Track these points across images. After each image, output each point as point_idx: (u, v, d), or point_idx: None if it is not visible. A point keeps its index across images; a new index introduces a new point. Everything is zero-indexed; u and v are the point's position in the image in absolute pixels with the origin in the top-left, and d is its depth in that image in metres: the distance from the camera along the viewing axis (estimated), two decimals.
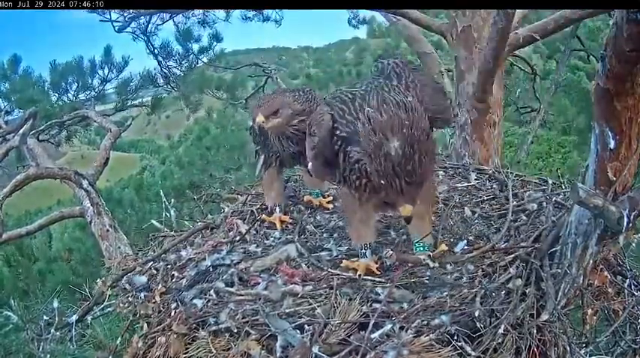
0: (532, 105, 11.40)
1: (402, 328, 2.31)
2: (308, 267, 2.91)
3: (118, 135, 6.17)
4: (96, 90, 7.99)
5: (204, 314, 2.64)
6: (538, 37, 5.24)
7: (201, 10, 8.77)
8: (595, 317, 2.89)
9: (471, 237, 3.10)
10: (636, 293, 3.01)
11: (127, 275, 3.31)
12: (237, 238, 3.32)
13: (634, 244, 2.99)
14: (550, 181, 3.76)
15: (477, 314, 2.36)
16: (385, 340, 2.26)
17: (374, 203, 2.74)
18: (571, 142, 15.28)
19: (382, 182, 2.36)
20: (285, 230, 3.45)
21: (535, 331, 2.39)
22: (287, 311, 2.50)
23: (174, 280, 3.07)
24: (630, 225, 2.25)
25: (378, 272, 2.73)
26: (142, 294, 3.07)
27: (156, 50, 8.64)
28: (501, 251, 2.84)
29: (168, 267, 3.21)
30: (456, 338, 2.29)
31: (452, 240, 3.09)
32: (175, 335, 2.62)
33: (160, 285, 3.03)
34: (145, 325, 2.91)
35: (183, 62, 8.99)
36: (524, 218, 3.27)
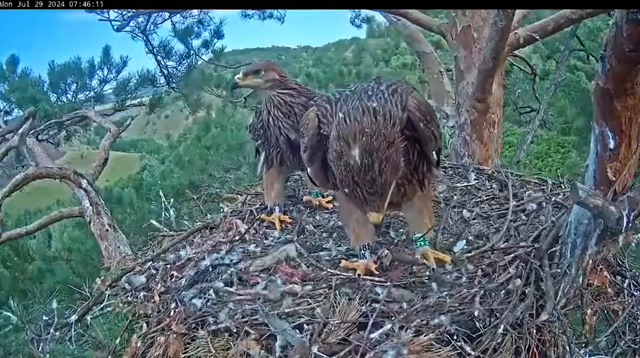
0: (532, 105, 11.41)
1: (401, 328, 2.30)
2: (307, 267, 2.91)
3: (118, 134, 6.16)
4: (95, 90, 7.98)
5: (203, 314, 2.63)
6: (538, 37, 5.24)
7: (199, 10, 8.77)
8: (595, 317, 2.89)
9: (470, 237, 3.10)
10: (636, 293, 3.01)
11: (126, 274, 3.30)
12: (237, 238, 3.32)
13: (634, 244, 2.99)
14: (550, 181, 3.76)
15: (476, 314, 2.36)
16: (385, 340, 2.25)
17: None
18: (570, 142, 15.29)
19: (346, 190, 2.36)
20: (284, 230, 3.45)
21: (535, 331, 2.39)
22: (286, 311, 2.50)
23: (173, 280, 3.07)
24: (630, 225, 2.25)
25: (378, 272, 2.73)
26: (141, 294, 3.06)
27: (155, 49, 8.64)
28: (501, 251, 2.84)
29: (168, 266, 3.21)
30: (455, 337, 2.28)
31: (451, 239, 3.10)
32: (174, 335, 2.61)
33: (160, 285, 3.03)
34: (144, 325, 2.90)
35: (183, 61, 8.97)
36: (523, 218, 3.27)
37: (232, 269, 2.95)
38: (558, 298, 2.51)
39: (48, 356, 3.46)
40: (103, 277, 3.43)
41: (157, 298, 2.95)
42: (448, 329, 2.29)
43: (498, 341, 2.29)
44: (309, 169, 2.75)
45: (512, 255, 2.76)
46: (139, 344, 2.79)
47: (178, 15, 8.59)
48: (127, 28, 8.11)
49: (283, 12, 9.46)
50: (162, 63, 8.83)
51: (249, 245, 3.26)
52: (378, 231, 2.65)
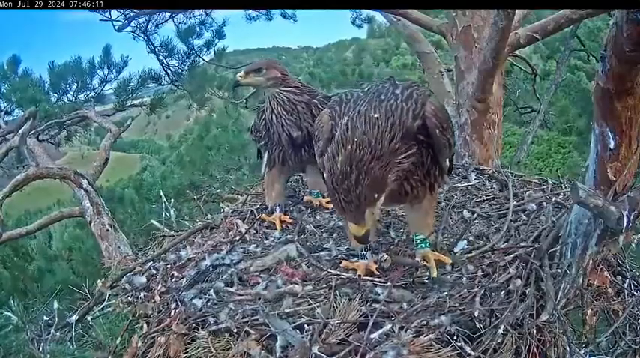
0: (532, 106, 11.40)
1: (401, 328, 2.30)
2: (308, 267, 2.91)
3: (118, 135, 6.16)
4: (95, 90, 7.98)
5: (203, 314, 2.63)
6: (538, 37, 5.24)
7: (201, 11, 8.78)
8: (595, 318, 2.89)
9: (470, 237, 3.11)
10: (636, 294, 3.01)
11: (126, 275, 3.30)
12: (237, 238, 3.32)
13: (634, 244, 2.99)
14: (550, 181, 3.76)
15: (476, 314, 2.36)
16: (385, 340, 2.26)
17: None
18: (571, 142, 15.28)
19: (328, 194, 2.35)
20: (284, 230, 3.45)
21: (535, 331, 2.39)
22: (287, 311, 2.50)
23: (173, 280, 3.07)
24: (630, 225, 2.25)
25: (378, 273, 2.73)
26: (142, 294, 3.06)
27: (156, 49, 8.64)
28: (501, 251, 2.84)
29: (168, 266, 3.21)
30: (455, 338, 2.28)
31: (452, 240, 3.10)
32: (175, 335, 2.62)
33: (160, 285, 3.03)
34: (145, 325, 2.90)
35: (185, 61, 8.97)
36: (524, 218, 3.27)
37: (233, 269, 2.95)
38: (558, 298, 2.51)
39: (48, 356, 3.47)
40: (104, 278, 3.43)
41: (157, 298, 2.95)
42: (448, 329, 2.29)
43: (498, 341, 2.29)
44: (324, 173, 2.73)
45: (512, 255, 2.76)
46: (139, 344, 2.79)
47: (181, 15, 8.59)
48: (128, 28, 8.11)
49: (292, 12, 9.47)
50: (165, 62, 8.83)
51: (250, 245, 3.27)
52: (363, 242, 2.58)
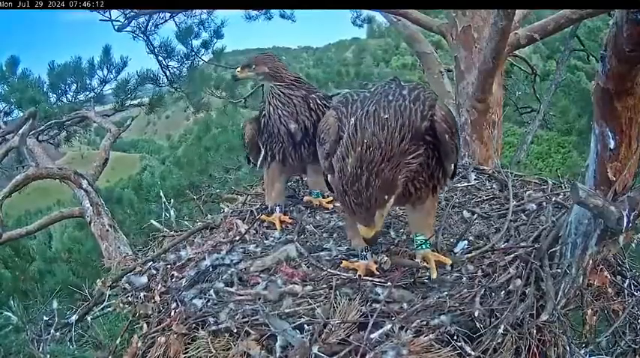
0: (532, 106, 11.40)
1: (401, 328, 2.30)
2: (308, 267, 2.91)
3: (118, 135, 6.17)
4: (95, 91, 7.98)
5: (203, 314, 2.63)
6: (538, 37, 5.24)
7: (201, 11, 8.77)
8: (595, 318, 2.89)
9: (470, 237, 3.10)
10: (636, 294, 3.01)
11: (126, 275, 3.30)
12: (237, 238, 3.32)
13: (634, 244, 2.99)
14: (550, 181, 3.76)
15: (476, 314, 2.36)
16: (385, 340, 2.26)
17: None
18: (571, 142, 15.28)
19: (336, 195, 2.34)
20: (284, 230, 3.44)
21: (535, 331, 2.39)
22: (287, 311, 2.50)
23: (173, 280, 3.07)
24: (630, 225, 2.25)
25: (378, 273, 2.73)
26: (142, 294, 3.06)
27: (156, 49, 8.63)
28: (501, 251, 2.84)
29: (168, 266, 3.21)
30: (455, 338, 2.28)
31: (452, 240, 3.10)
32: (175, 335, 2.62)
33: (160, 285, 3.03)
34: (145, 325, 2.90)
35: (184, 61, 8.97)
36: (524, 218, 3.27)
37: (233, 269, 2.95)
38: (558, 298, 2.51)
39: (48, 356, 3.47)
40: (103, 278, 3.43)
41: (157, 298, 2.95)
42: (448, 329, 2.29)
43: (498, 341, 2.29)
44: (328, 177, 2.69)
45: (512, 255, 2.76)
46: (139, 345, 2.79)
47: (181, 15, 8.59)
48: (128, 28, 8.11)
49: (291, 11, 9.49)
50: (164, 63, 8.83)
51: (250, 245, 3.26)
52: (371, 244, 2.59)
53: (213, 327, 2.55)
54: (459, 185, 3.91)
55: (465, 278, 2.66)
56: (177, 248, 3.42)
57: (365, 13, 10.24)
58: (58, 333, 3.44)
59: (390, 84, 2.59)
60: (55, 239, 9.49)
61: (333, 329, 2.31)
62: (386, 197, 2.30)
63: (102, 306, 3.39)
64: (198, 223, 3.77)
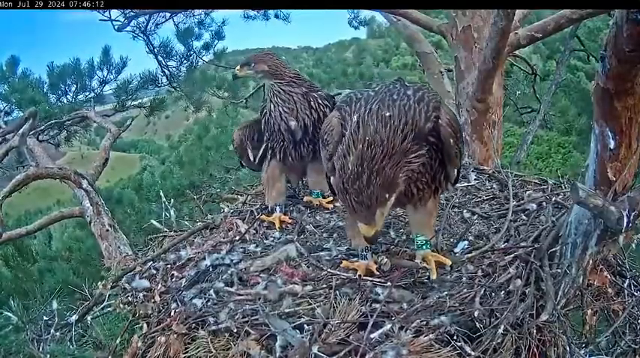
0: (532, 106, 11.40)
1: (401, 328, 2.30)
2: (308, 267, 2.91)
3: (118, 135, 6.16)
4: (95, 91, 7.98)
5: (203, 314, 2.63)
6: (538, 37, 5.24)
7: (201, 11, 8.77)
8: (595, 318, 2.89)
9: (470, 237, 3.10)
10: (636, 294, 3.00)
11: (126, 275, 3.30)
12: (237, 238, 3.32)
13: (634, 244, 2.98)
14: (550, 181, 3.76)
15: (476, 314, 2.36)
16: (384, 340, 2.26)
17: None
18: (571, 143, 15.28)
19: (337, 194, 2.34)
20: (284, 230, 3.45)
21: (535, 331, 2.39)
22: (287, 311, 2.50)
23: (173, 280, 3.07)
24: (630, 225, 2.24)
25: (378, 273, 2.73)
26: (142, 294, 3.06)
27: (156, 49, 8.64)
28: (501, 251, 2.84)
29: (168, 266, 3.21)
30: (455, 338, 2.28)
31: (452, 240, 3.10)
32: (175, 335, 2.62)
33: (160, 285, 3.03)
34: (145, 325, 2.90)
35: (184, 61, 8.96)
36: (524, 218, 3.27)
37: (233, 269, 2.95)
38: (558, 298, 2.51)
39: (48, 356, 3.47)
40: (105, 280, 3.42)
41: (157, 298, 2.95)
42: (448, 329, 2.29)
43: (498, 341, 2.29)
44: (331, 179, 2.67)
45: (512, 255, 2.76)
46: (139, 344, 2.79)
47: (181, 15, 8.59)
48: (128, 28, 8.12)
49: (287, 12, 9.48)
50: (164, 63, 8.83)
51: (250, 245, 3.27)
52: (372, 243, 2.59)
53: (213, 327, 2.54)
54: (458, 185, 3.90)
55: (464, 278, 2.66)
56: (177, 248, 3.42)
57: (363, 14, 10.24)
58: (58, 333, 3.44)
59: (394, 84, 2.58)
60: (56, 238, 9.49)
61: (333, 329, 2.31)
62: (387, 195, 2.29)
63: (102, 306, 3.39)
64: (199, 223, 3.77)
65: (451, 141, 2.46)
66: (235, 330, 2.47)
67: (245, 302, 2.63)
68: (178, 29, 8.79)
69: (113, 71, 8.02)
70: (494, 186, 3.89)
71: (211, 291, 2.78)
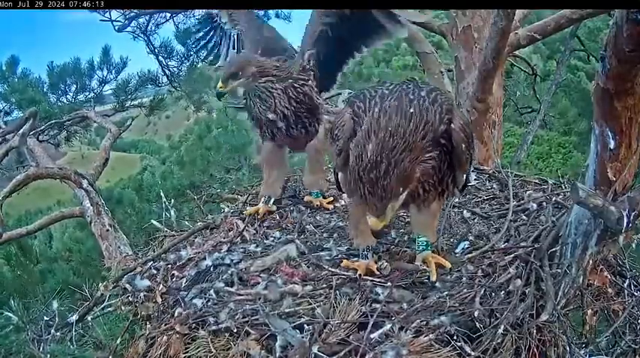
0: (532, 106, 11.40)
1: (401, 328, 2.30)
2: (308, 267, 2.91)
3: (118, 135, 6.17)
4: (94, 91, 7.98)
5: (204, 314, 2.64)
6: (538, 37, 5.24)
7: (201, 11, 8.76)
8: (595, 318, 2.89)
9: (470, 237, 3.11)
10: (636, 294, 3.00)
11: (127, 275, 3.30)
12: (237, 238, 3.32)
13: (634, 244, 2.98)
14: (550, 181, 3.76)
15: (476, 315, 2.36)
16: (384, 340, 2.26)
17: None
18: (571, 143, 15.27)
19: (352, 184, 2.30)
20: (285, 230, 3.44)
21: (535, 331, 2.39)
22: (287, 311, 2.50)
23: (174, 280, 3.07)
24: (630, 225, 2.24)
25: (378, 273, 2.73)
26: (142, 294, 3.06)
27: (156, 50, 8.64)
28: (501, 251, 2.84)
29: (169, 266, 3.21)
30: (455, 338, 2.28)
31: (452, 239, 3.10)
32: (175, 335, 2.62)
33: (161, 285, 3.03)
34: (145, 325, 2.90)
35: (184, 61, 8.96)
36: (524, 218, 3.27)
37: (233, 269, 2.95)
38: (558, 298, 2.51)
39: (49, 356, 3.47)
40: (106, 281, 3.42)
41: (158, 298, 2.95)
42: (448, 329, 2.29)
43: (498, 341, 2.29)
44: (339, 174, 2.67)
45: (512, 255, 2.76)
46: (140, 344, 2.79)
47: (181, 15, 8.58)
48: (128, 29, 8.12)
49: (288, 12, 9.47)
50: (164, 63, 8.83)
51: (250, 245, 3.27)
52: (378, 237, 2.58)
53: (214, 327, 2.55)
54: None
55: (464, 279, 2.66)
56: (178, 248, 3.42)
57: None
58: (58, 333, 3.44)
59: (407, 84, 2.56)
60: (56, 239, 9.48)
61: (333, 329, 2.31)
62: (401, 189, 2.27)
63: (102, 306, 3.39)
64: (199, 223, 3.77)
65: (463, 146, 2.43)
66: (235, 330, 2.47)
67: (245, 302, 2.64)
68: (178, 29, 8.79)
69: (113, 71, 8.03)
70: (494, 186, 3.89)
71: (211, 291, 2.78)
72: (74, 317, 3.40)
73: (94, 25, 7.88)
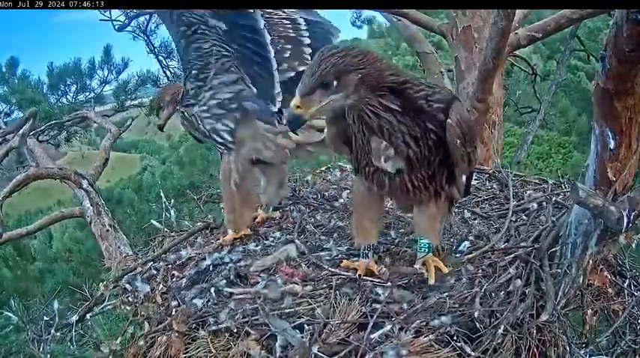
0: (532, 106, 11.39)
1: (401, 328, 2.30)
2: (308, 267, 2.91)
3: (118, 135, 6.16)
4: (95, 91, 7.99)
5: (203, 314, 2.64)
6: (538, 37, 5.24)
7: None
8: (595, 318, 2.89)
9: (471, 237, 3.10)
10: (636, 294, 3.00)
11: (127, 275, 3.30)
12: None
13: (634, 244, 2.98)
14: (550, 181, 3.76)
15: (476, 315, 2.36)
16: (384, 340, 2.26)
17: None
18: (571, 143, 15.27)
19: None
20: (285, 230, 3.44)
21: (535, 331, 2.39)
22: (287, 311, 2.50)
23: (174, 279, 3.07)
24: (630, 225, 2.24)
25: (378, 273, 2.73)
26: (142, 294, 3.06)
27: (156, 50, 8.64)
28: (501, 251, 2.84)
29: (169, 266, 3.21)
30: (455, 338, 2.28)
31: (452, 239, 3.10)
32: (175, 335, 2.62)
33: (160, 285, 3.03)
34: (146, 325, 2.90)
35: None
36: (524, 218, 3.27)
37: (233, 268, 2.95)
38: (559, 298, 2.51)
39: (48, 356, 3.47)
40: (106, 282, 3.42)
41: (157, 298, 2.95)
42: (448, 329, 2.29)
43: (498, 341, 2.29)
44: (325, 130, 2.64)
45: (512, 256, 2.76)
46: (140, 344, 2.79)
47: None
48: (128, 28, 8.13)
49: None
50: (164, 63, 8.83)
51: (250, 244, 3.27)
52: (291, 129, 2.52)
53: (214, 327, 2.55)
54: None
55: (464, 279, 2.66)
56: (178, 248, 3.42)
57: (365, 13, 10.24)
58: (58, 333, 3.44)
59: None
60: (56, 239, 9.48)
61: (333, 329, 2.31)
62: (335, 82, 2.14)
63: (102, 306, 3.39)
64: (199, 223, 3.77)
65: (458, 142, 2.29)
66: (235, 330, 2.47)
67: (245, 302, 2.63)
68: None
69: (114, 71, 8.04)
70: (494, 186, 3.89)
71: (212, 291, 2.78)
72: (74, 317, 3.40)
73: (94, 26, 7.91)
